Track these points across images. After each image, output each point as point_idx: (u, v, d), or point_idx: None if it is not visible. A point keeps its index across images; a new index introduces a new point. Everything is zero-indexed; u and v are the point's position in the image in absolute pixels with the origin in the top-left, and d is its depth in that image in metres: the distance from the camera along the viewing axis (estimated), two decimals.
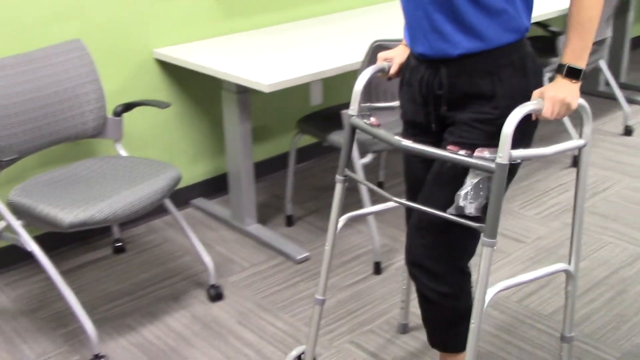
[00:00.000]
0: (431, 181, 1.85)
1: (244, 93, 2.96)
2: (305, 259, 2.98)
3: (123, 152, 2.78)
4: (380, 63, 1.99)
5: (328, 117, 3.06)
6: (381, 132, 1.80)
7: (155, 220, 3.34)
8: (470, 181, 1.69)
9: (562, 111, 1.67)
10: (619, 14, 4.67)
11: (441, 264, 1.86)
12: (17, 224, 2.44)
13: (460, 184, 1.74)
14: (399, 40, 2.58)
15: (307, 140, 3.87)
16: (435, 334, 2.01)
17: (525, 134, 1.80)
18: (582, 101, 1.73)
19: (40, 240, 3.01)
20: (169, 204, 2.67)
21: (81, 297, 2.77)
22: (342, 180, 1.99)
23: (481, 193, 1.70)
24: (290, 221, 3.27)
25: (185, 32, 3.21)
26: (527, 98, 1.73)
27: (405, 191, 2.06)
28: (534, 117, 1.70)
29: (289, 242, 3.08)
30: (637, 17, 5.29)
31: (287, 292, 2.76)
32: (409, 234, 1.91)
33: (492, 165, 1.61)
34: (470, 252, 1.88)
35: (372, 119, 1.88)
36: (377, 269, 2.87)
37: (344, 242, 3.10)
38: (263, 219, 3.29)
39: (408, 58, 1.94)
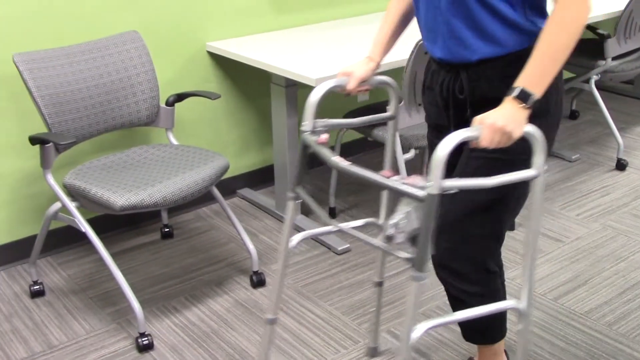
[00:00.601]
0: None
1: (292, 87, 3.01)
2: (346, 250, 3.02)
3: (174, 141, 2.85)
4: (339, 78, 1.90)
5: (373, 113, 3.09)
6: (322, 151, 1.71)
7: (203, 208, 3.41)
8: (401, 209, 1.57)
9: (503, 140, 1.55)
10: None
11: (466, 263, 1.87)
12: (72, 206, 2.53)
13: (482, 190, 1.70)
14: None
15: (352, 135, 3.91)
16: (469, 330, 2.03)
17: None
18: (532, 129, 1.57)
19: (92, 223, 3.11)
20: (216, 192, 2.73)
21: (129, 279, 2.85)
22: (293, 197, 1.89)
23: (414, 222, 1.56)
24: (332, 213, 3.31)
25: (237, 26, 3.27)
26: (545, 99, 1.71)
27: None
28: (471, 145, 1.60)
29: (330, 234, 3.12)
30: None
31: (327, 282, 2.80)
32: (434, 236, 1.88)
33: (422, 194, 1.49)
34: (492, 251, 1.88)
35: (323, 136, 1.78)
36: None
37: None
38: (306, 211, 3.34)
39: (429, 62, 1.92)
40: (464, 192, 1.79)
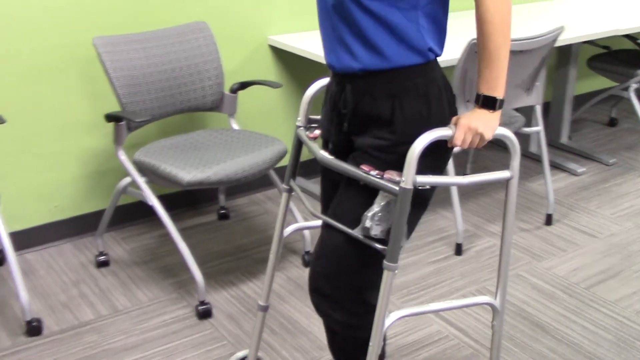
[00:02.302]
0: (340, 197, 1.69)
1: None
2: None
3: (235, 126, 2.94)
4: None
5: None
6: (312, 146, 1.71)
7: (257, 193, 3.49)
8: (378, 202, 1.57)
9: (475, 141, 1.55)
10: (557, 71, 4.22)
11: (342, 292, 1.69)
12: (141, 181, 2.62)
13: (365, 204, 1.61)
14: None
15: None
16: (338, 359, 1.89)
17: (439, 159, 1.64)
18: (508, 133, 1.58)
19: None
20: (273, 175, 2.81)
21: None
22: (287, 189, 1.89)
23: (389, 216, 1.57)
24: None
25: (297, 22, 3.35)
26: (428, 126, 1.56)
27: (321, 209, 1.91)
28: (449, 144, 1.57)
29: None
30: (581, 74, 4.80)
31: None
32: (311, 261, 1.74)
33: (396, 188, 1.50)
34: (376, 284, 1.66)
35: (316, 132, 1.78)
36: (458, 250, 2.94)
37: (431, 225, 3.18)
38: None
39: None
40: (350, 210, 1.64)
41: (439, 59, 1.65)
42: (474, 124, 1.53)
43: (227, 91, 2.92)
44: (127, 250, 2.97)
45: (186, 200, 3.32)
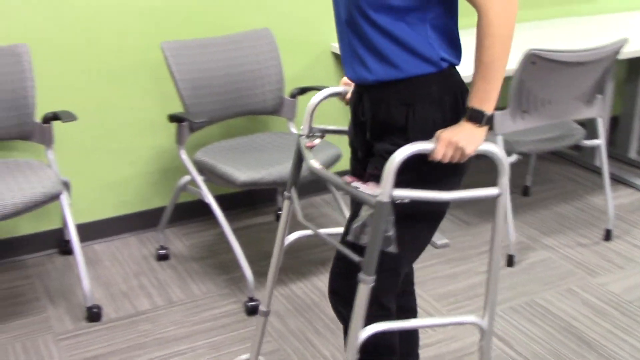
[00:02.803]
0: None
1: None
2: (445, 246, 3.06)
3: (294, 130, 3.00)
4: (339, 87, 1.87)
5: None
6: (306, 154, 1.71)
7: (316, 197, 3.54)
8: (364, 213, 1.56)
9: (456, 155, 1.53)
10: (626, 85, 4.10)
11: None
12: (199, 179, 2.71)
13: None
14: (560, 52, 2.60)
15: None
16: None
17: (455, 173, 1.64)
18: (495, 149, 1.53)
19: (216, 200, 3.30)
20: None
21: (244, 251, 3.01)
22: (288, 197, 1.88)
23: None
24: None
25: None
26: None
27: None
28: (429, 158, 1.55)
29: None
30: None
31: (424, 271, 2.86)
32: (332, 263, 1.78)
33: (373, 200, 1.48)
34: (391, 287, 1.70)
35: (316, 141, 1.80)
36: (510, 261, 2.90)
37: (484, 234, 3.15)
38: None
39: None
40: None
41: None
42: (455, 138, 1.52)
43: (286, 96, 2.99)
44: (186, 245, 3.07)
45: (247, 201, 3.40)
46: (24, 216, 2.97)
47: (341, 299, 1.74)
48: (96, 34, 2.84)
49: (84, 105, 2.91)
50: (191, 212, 3.27)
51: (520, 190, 3.59)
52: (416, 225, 1.67)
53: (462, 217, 3.32)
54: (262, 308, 2.04)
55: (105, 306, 2.64)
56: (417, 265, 2.89)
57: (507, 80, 3.58)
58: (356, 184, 1.55)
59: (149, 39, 2.94)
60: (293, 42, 3.24)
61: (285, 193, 1.90)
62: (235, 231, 3.18)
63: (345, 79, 1.89)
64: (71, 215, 2.58)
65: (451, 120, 1.60)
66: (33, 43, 2.76)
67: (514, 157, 2.90)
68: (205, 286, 2.76)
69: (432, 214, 1.67)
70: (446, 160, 1.54)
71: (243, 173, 2.52)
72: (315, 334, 2.46)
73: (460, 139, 1.51)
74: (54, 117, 2.68)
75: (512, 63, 2.82)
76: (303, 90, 3.00)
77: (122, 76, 2.94)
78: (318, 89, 3.00)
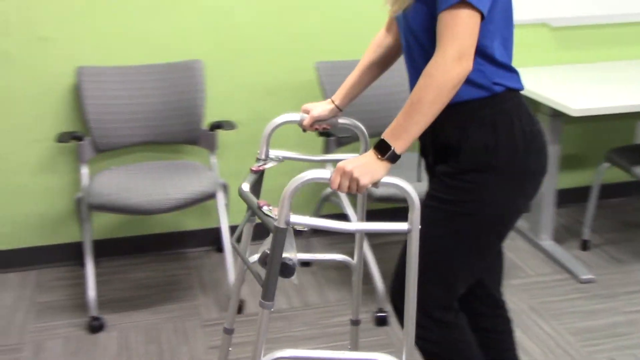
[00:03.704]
0: None
1: (556, 117, 2.99)
2: (590, 281, 2.91)
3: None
4: (298, 113, 1.89)
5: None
6: (248, 177, 1.73)
7: None
8: (270, 238, 1.50)
9: (353, 186, 1.48)
10: None
11: None
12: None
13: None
14: None
15: (621, 176, 3.72)
16: None
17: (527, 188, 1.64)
18: (403, 184, 1.45)
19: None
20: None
21: (379, 266, 3.05)
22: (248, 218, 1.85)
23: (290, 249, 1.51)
24: (585, 246, 3.20)
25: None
26: (495, 155, 1.59)
27: None
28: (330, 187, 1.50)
29: (578, 263, 3.03)
30: None
31: (563, 304, 2.74)
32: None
33: (272, 225, 1.45)
34: (437, 299, 1.69)
35: (267, 165, 1.80)
36: None
37: (637, 275, 2.96)
38: (558, 239, 3.27)
39: None
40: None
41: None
42: (349, 168, 1.48)
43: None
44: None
45: (388, 217, 3.44)
46: (191, 213, 3.23)
47: (399, 313, 1.75)
48: (254, 53, 3.05)
49: (243, 116, 3.13)
50: None
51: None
52: (464, 239, 1.65)
53: (614, 254, 3.14)
54: (225, 326, 2.02)
55: (248, 301, 2.80)
56: (556, 298, 2.78)
57: None
58: (267, 208, 1.53)
59: (300, 60, 3.09)
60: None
61: (247, 214, 1.84)
62: (375, 246, 3.23)
63: (305, 106, 1.91)
64: (225, 215, 2.78)
65: (506, 143, 1.60)
66: (204, 59, 3.02)
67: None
68: (339, 293, 2.84)
69: (481, 227, 1.65)
70: (343, 190, 1.50)
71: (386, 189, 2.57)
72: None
73: (355, 169, 1.48)
74: (218, 125, 2.92)
75: None
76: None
77: (275, 92, 3.11)
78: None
